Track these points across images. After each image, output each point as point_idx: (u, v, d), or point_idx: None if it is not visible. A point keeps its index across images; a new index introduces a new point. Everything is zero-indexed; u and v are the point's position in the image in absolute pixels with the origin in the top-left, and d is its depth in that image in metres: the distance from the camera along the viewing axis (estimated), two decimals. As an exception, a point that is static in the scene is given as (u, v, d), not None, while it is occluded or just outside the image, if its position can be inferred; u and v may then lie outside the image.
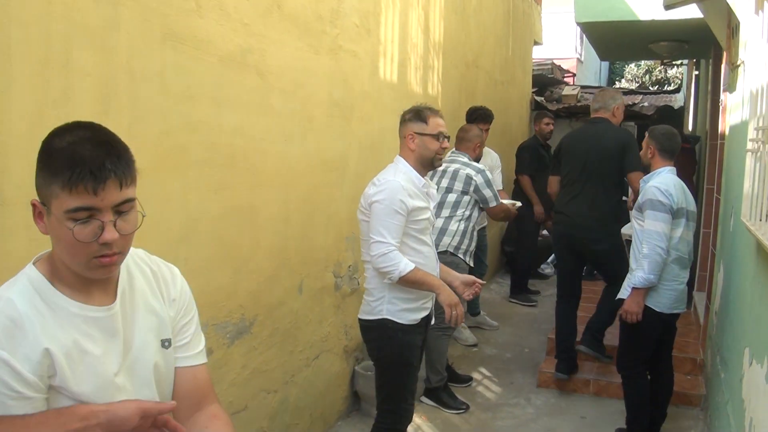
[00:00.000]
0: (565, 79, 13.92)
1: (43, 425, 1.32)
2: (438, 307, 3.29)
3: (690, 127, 9.82)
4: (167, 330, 1.61)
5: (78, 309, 1.45)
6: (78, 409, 1.36)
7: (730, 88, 4.51)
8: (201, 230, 2.89)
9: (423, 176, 3.28)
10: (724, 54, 4.80)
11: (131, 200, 1.44)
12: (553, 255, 8.64)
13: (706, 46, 6.93)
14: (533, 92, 10.90)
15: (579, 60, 18.33)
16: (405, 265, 3.04)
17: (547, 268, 8.62)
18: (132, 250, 1.57)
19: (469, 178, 4.56)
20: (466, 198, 4.59)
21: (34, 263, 1.48)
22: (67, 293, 1.45)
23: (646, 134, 3.91)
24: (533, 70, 11.03)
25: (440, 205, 4.55)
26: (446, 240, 4.52)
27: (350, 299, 4.39)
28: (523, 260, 7.41)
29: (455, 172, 4.61)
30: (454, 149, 4.86)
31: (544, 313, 6.81)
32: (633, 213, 3.90)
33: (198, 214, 2.87)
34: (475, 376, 5.12)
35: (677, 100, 12.00)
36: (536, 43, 11.03)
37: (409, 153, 3.26)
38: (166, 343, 1.61)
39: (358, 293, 4.30)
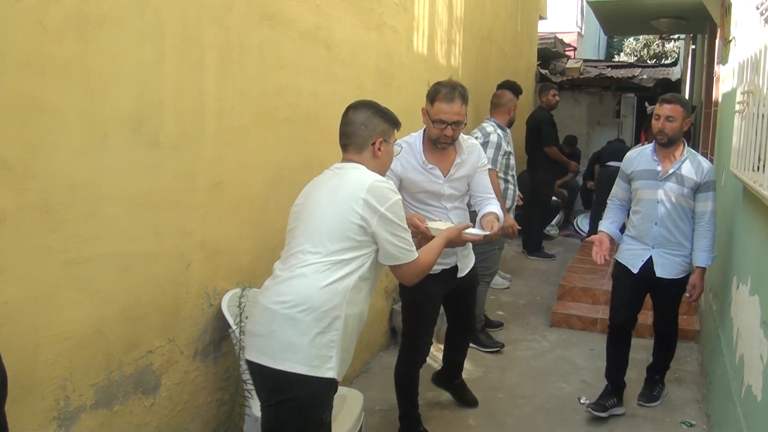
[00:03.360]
0: (567, 53, 14.46)
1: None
2: (477, 257, 3.81)
3: (687, 98, 10.42)
4: None
5: None
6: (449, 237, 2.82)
7: (723, 60, 5.10)
8: (285, 177, 3.48)
9: (437, 150, 3.40)
10: (718, 30, 5.39)
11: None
12: (557, 217, 9.31)
13: (702, 22, 7.50)
14: (538, 65, 11.45)
15: (580, 34, 18.85)
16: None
17: (552, 230, 9.23)
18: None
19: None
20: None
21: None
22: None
23: (676, 105, 3.74)
24: (538, 43, 11.56)
25: None
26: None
27: (389, 246, 5.00)
28: (538, 220, 8.01)
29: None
30: (488, 116, 5.30)
31: (553, 268, 7.45)
32: (687, 191, 3.76)
33: (283, 163, 3.47)
34: (494, 319, 5.73)
35: (674, 73, 12.57)
36: (541, 17, 11.56)
37: (426, 127, 3.45)
38: None
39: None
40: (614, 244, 4.07)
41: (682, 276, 3.90)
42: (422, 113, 3.42)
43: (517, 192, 5.39)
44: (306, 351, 2.33)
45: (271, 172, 3.37)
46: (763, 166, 2.66)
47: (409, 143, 3.46)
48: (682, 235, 3.84)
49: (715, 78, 5.91)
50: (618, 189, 4.12)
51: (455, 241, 2.90)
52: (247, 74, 3.10)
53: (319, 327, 2.34)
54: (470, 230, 2.99)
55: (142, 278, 2.53)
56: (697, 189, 3.75)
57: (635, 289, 4.01)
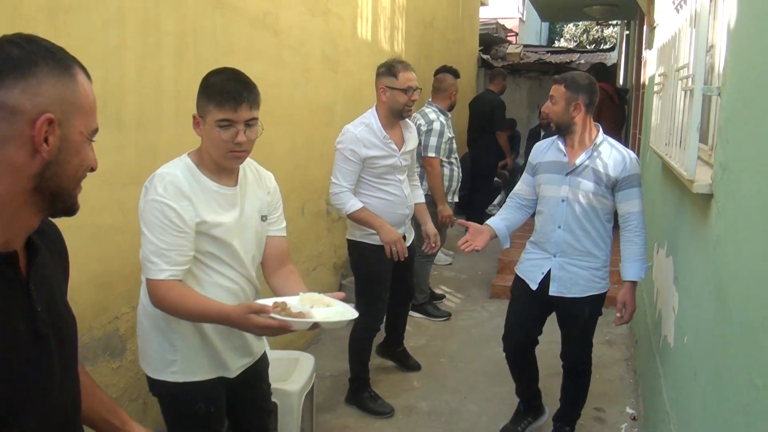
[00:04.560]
0: (509, 38, 14.83)
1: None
2: (419, 238, 4.11)
3: (621, 81, 10.86)
4: (265, 209, 2.43)
5: (216, 187, 2.26)
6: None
7: (650, 45, 5.46)
8: (239, 156, 3.67)
9: (394, 125, 3.73)
10: (646, 17, 5.75)
11: (256, 119, 2.23)
12: (499, 197, 9.66)
13: (633, 9, 7.89)
14: (480, 50, 11.77)
15: (521, 20, 19.27)
16: (351, 205, 3.63)
17: (493, 210, 9.56)
18: (249, 160, 2.39)
19: (418, 127, 5.07)
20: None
21: (188, 155, 2.28)
22: (208, 176, 2.26)
23: (559, 85, 3.20)
24: (480, 29, 11.89)
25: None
26: (424, 184, 5.21)
27: (337, 224, 5.25)
28: (481, 200, 8.31)
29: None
30: (429, 99, 5.50)
31: (494, 244, 7.74)
32: (600, 189, 3.14)
33: (237, 143, 3.66)
34: (438, 292, 6.03)
35: (612, 58, 13.06)
36: (483, 3, 11.89)
37: (381, 104, 3.69)
38: (263, 218, 2.42)
39: (343, 219, 5.13)
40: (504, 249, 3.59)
41: (588, 295, 3.24)
42: (381, 92, 3.68)
43: (460, 174, 5.61)
44: (151, 356, 2.35)
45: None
46: (679, 141, 2.94)
47: (366, 124, 3.70)
48: (592, 243, 3.21)
49: (643, 62, 6.29)
50: (521, 184, 3.49)
51: (238, 324, 2.07)
52: (201, 59, 3.27)
53: (157, 332, 2.32)
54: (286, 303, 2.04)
55: (110, 249, 2.71)
56: (615, 186, 3.13)
57: (534, 308, 3.39)
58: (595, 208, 3.16)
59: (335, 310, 2.09)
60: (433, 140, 5.13)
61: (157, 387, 2.37)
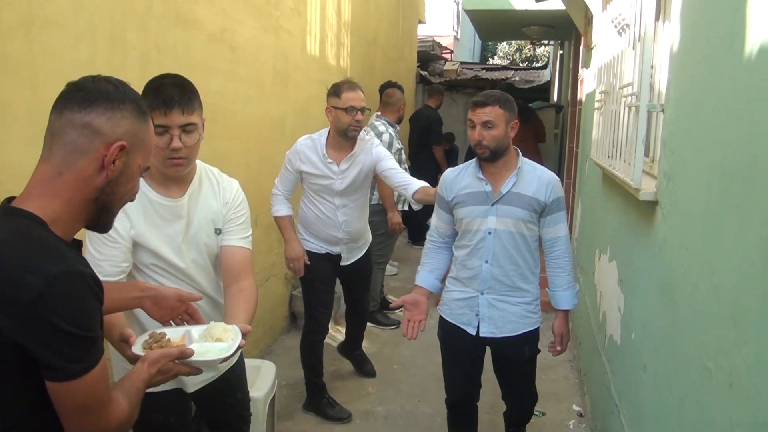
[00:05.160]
0: (444, 55, 15.16)
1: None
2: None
3: (555, 98, 11.26)
4: (219, 222, 2.39)
5: (158, 198, 2.25)
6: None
7: (586, 64, 5.74)
8: (198, 169, 3.75)
9: (342, 147, 3.73)
10: (582, 38, 6.04)
11: (193, 124, 2.16)
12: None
13: (568, 30, 8.24)
14: (418, 66, 12.03)
15: (456, 38, 19.67)
16: (276, 210, 3.82)
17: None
18: (209, 167, 2.44)
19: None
20: None
21: None
22: (153, 187, 2.23)
23: (494, 106, 2.89)
24: (417, 46, 12.15)
25: None
26: (375, 195, 5.37)
27: (289, 236, 5.33)
28: (422, 213, 8.47)
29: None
30: (378, 113, 5.63)
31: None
32: (529, 215, 2.91)
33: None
34: (391, 298, 6.15)
35: (544, 76, 13.49)
36: (420, 21, 12.15)
37: (331, 124, 3.74)
38: (217, 231, 2.39)
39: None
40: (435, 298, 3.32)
41: (523, 332, 2.98)
42: (327, 112, 3.72)
43: None
44: (113, 367, 2.31)
45: (186, 164, 3.63)
46: (622, 153, 3.14)
47: (313, 138, 3.80)
48: (521, 277, 2.95)
49: (579, 80, 6.58)
50: (438, 222, 3.14)
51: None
52: (164, 71, 3.33)
53: None
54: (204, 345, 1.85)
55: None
56: (542, 211, 2.93)
57: (473, 353, 3.09)
58: (525, 237, 2.91)
59: (218, 347, 1.83)
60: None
61: None
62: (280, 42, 4.95)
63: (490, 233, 2.91)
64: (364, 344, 4.71)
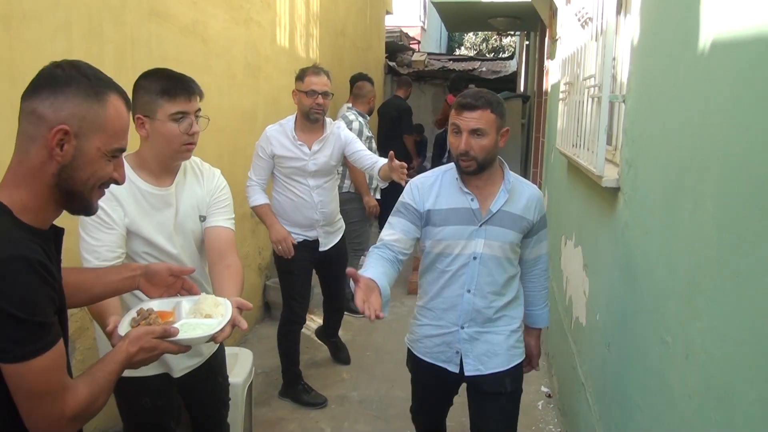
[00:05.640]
0: (411, 46, 15.26)
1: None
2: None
3: (522, 88, 11.41)
4: (203, 209, 2.47)
5: (149, 188, 2.31)
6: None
7: (551, 56, 5.87)
8: (173, 161, 3.80)
9: (310, 129, 3.84)
10: (548, 30, 6.16)
11: (200, 111, 2.30)
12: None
13: (534, 22, 8.37)
14: (386, 57, 12.10)
15: (423, 28, 19.77)
16: (254, 200, 3.90)
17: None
18: (192, 157, 2.51)
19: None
20: None
21: (124, 158, 2.37)
22: (142, 176, 2.29)
23: (485, 110, 2.37)
24: (385, 37, 12.21)
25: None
26: (347, 182, 5.53)
27: (261, 226, 5.37)
28: (393, 203, 8.54)
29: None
30: (349, 105, 5.75)
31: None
32: (518, 237, 2.53)
33: (171, 148, 3.79)
34: (359, 291, 6.25)
35: (511, 66, 13.64)
36: (387, 12, 12.22)
37: (297, 108, 3.88)
38: (201, 218, 2.47)
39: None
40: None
41: (512, 365, 2.59)
42: (293, 95, 3.86)
43: None
44: (101, 353, 2.41)
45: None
46: (586, 142, 3.25)
47: (281, 124, 3.90)
48: (505, 306, 2.56)
49: (545, 71, 6.71)
50: (395, 232, 2.53)
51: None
52: (138, 66, 3.38)
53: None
54: (189, 322, 1.80)
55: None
56: (530, 230, 2.55)
57: (453, 390, 2.79)
58: (511, 261, 2.53)
59: (206, 323, 1.81)
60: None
61: None
62: (250, 34, 5.00)
63: (475, 258, 2.47)
64: (339, 332, 4.80)
